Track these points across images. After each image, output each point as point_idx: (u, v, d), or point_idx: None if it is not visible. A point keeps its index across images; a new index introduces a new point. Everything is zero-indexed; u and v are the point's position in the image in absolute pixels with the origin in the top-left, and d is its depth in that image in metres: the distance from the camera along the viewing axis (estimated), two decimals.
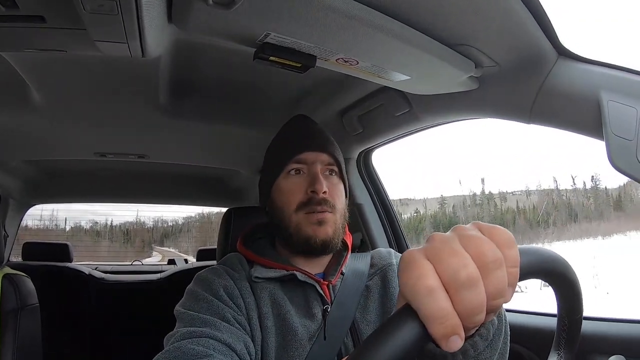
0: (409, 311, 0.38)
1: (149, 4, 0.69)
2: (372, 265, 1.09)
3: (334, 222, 1.00)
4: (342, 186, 1.07)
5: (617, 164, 0.80)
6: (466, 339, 0.48)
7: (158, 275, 2.96)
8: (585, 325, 0.62)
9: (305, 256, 1.02)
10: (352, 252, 1.11)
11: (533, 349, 1.24)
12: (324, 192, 0.99)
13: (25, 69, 1.16)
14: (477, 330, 0.51)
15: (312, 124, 1.13)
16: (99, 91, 1.36)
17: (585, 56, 0.92)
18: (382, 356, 0.36)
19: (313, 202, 0.98)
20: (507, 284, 0.39)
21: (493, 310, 0.40)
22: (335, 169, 1.06)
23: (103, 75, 1.25)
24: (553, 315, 0.62)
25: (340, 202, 1.04)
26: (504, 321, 0.66)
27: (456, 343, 0.37)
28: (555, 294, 0.56)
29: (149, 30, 0.76)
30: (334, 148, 1.07)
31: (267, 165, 1.10)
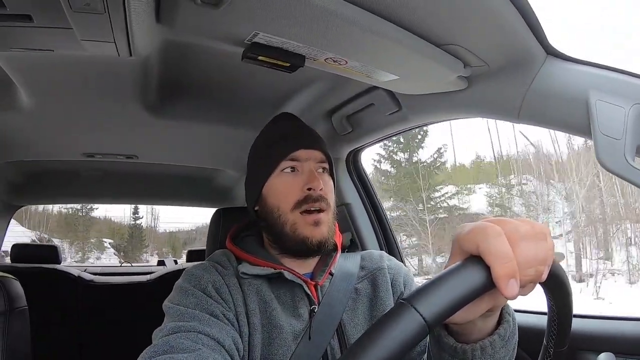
0: (474, 258, 0.45)
1: (136, 3, 0.68)
2: (362, 268, 1.08)
3: (327, 222, 1.00)
4: (332, 183, 1.07)
5: (605, 163, 0.81)
6: (485, 338, 0.61)
7: (147, 277, 2.94)
8: (575, 323, 0.63)
9: (297, 256, 1.01)
10: (341, 252, 1.11)
11: (524, 348, 1.25)
12: (321, 189, 0.99)
13: (13, 68, 1.15)
14: (496, 329, 0.61)
15: (299, 121, 1.13)
16: (87, 91, 1.34)
17: (573, 56, 0.92)
18: (450, 295, 0.42)
19: (310, 200, 0.97)
20: (549, 257, 0.48)
21: (538, 274, 0.47)
22: (327, 166, 1.06)
23: (91, 75, 1.23)
24: (543, 313, 0.62)
25: (332, 199, 1.04)
26: (516, 326, 0.68)
27: (514, 288, 0.43)
28: (545, 292, 0.56)
29: (137, 29, 0.76)
30: (324, 145, 1.07)
31: (256, 164, 1.08)
